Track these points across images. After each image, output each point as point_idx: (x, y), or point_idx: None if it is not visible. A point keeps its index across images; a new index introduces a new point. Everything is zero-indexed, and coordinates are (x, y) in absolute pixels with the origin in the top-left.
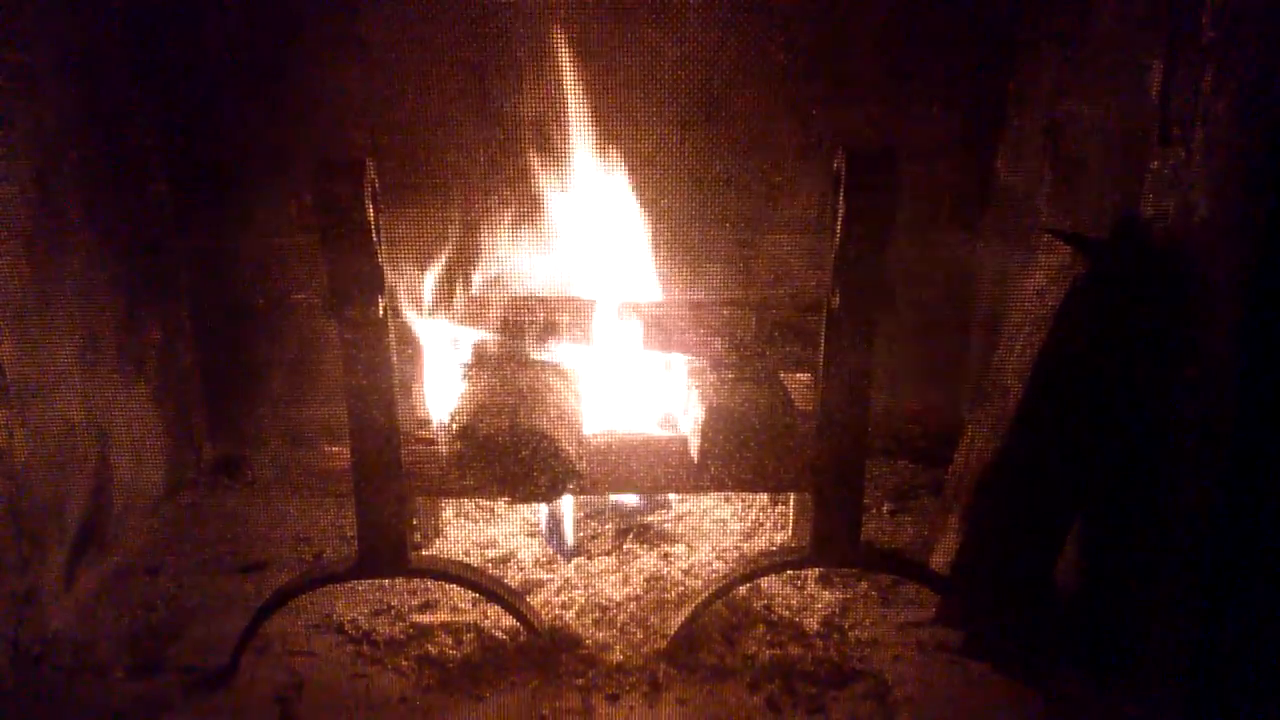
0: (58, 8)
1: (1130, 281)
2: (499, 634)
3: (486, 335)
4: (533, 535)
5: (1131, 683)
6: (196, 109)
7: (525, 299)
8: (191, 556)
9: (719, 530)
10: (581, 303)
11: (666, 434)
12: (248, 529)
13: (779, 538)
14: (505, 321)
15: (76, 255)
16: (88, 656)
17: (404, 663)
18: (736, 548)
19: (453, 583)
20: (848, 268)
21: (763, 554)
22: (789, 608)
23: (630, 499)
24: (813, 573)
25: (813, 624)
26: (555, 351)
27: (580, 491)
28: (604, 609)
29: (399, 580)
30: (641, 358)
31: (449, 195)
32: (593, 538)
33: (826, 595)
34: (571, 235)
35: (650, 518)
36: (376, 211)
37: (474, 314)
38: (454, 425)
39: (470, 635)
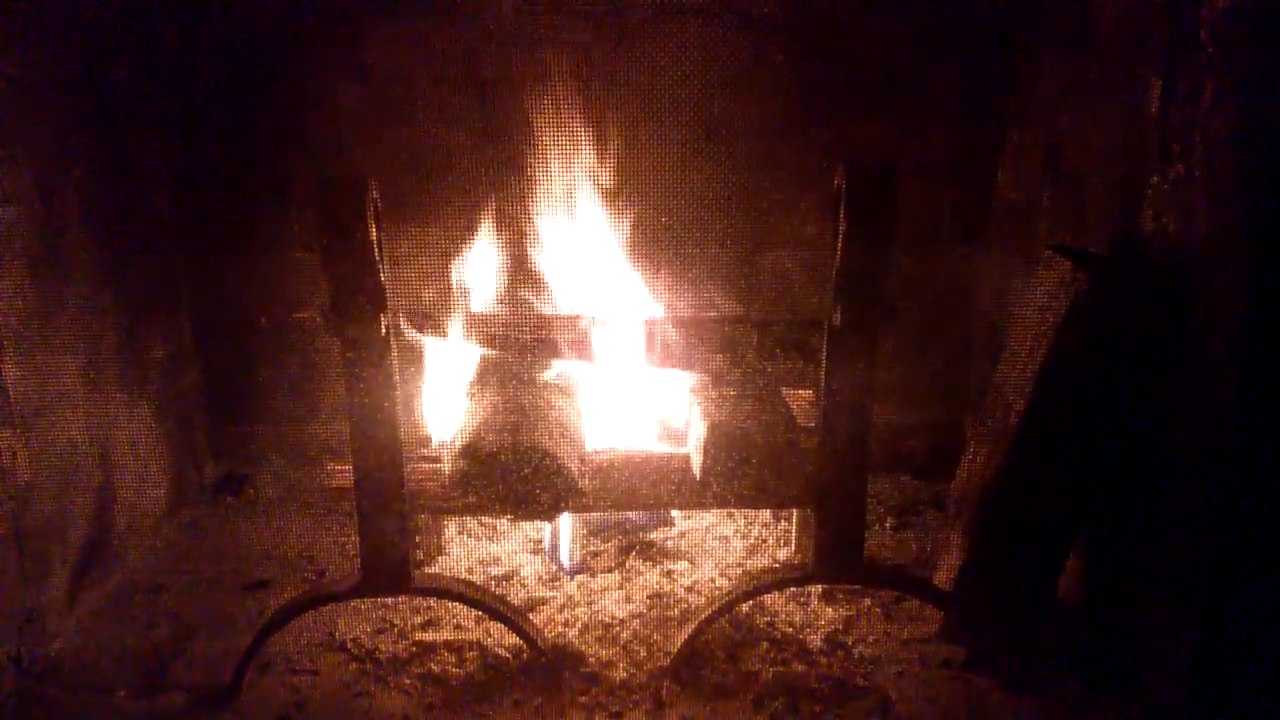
0: (60, 24)
1: (1131, 296)
2: (502, 652)
3: (489, 353)
4: (535, 552)
5: (1133, 686)
6: (199, 127)
7: (527, 316)
8: (194, 574)
9: (722, 547)
10: (583, 320)
11: (669, 451)
12: (250, 547)
13: (782, 554)
14: (507, 339)
15: (79, 273)
16: (91, 675)
17: (407, 681)
18: (739, 564)
19: (455, 601)
20: (849, 284)
21: (765, 571)
22: (792, 624)
23: (633, 516)
24: (816, 589)
25: (816, 641)
26: (557, 369)
27: (583, 509)
28: (607, 626)
29: (401, 598)
30: (643, 375)
31: (451, 213)
32: (595, 555)
33: (830, 611)
34: (573, 253)
35: (653, 535)
36: (378, 229)
37: (476, 331)
38: (456, 443)
39: (473, 653)
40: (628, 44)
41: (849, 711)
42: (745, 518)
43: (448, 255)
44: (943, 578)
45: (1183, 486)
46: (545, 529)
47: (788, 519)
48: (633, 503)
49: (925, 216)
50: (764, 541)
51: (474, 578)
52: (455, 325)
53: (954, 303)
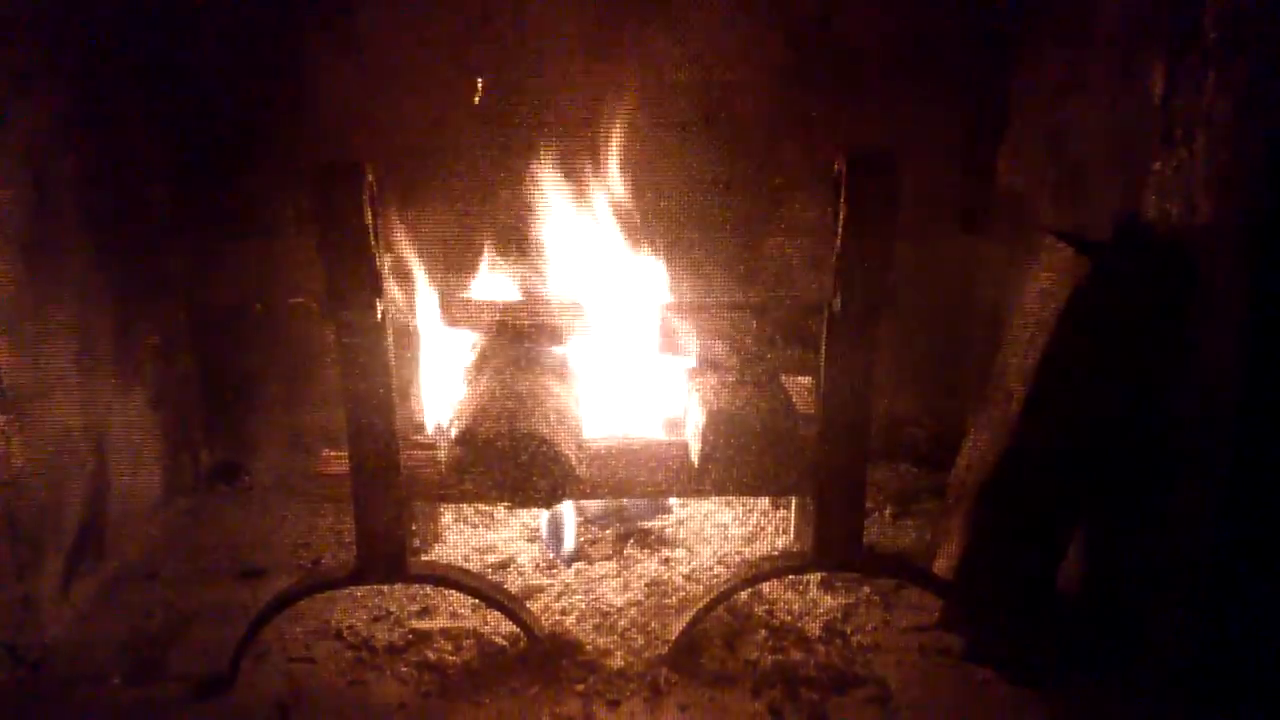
0: (54, 8)
1: (1133, 283)
2: (499, 640)
3: (486, 339)
4: (532, 540)
5: (1133, 683)
6: (194, 112)
7: (524, 302)
8: (189, 562)
9: (720, 535)
10: (581, 306)
11: (667, 438)
12: (246, 535)
13: (780, 542)
14: (504, 325)
15: (73, 259)
16: (86, 663)
17: (403, 669)
18: (738, 552)
19: (452, 588)
20: (848, 270)
21: (764, 559)
22: (791, 613)
23: (631, 504)
24: (814, 577)
25: (815, 629)
26: (555, 355)
27: (580, 496)
28: (604, 614)
29: (397, 586)
30: (642, 361)
31: (447, 198)
32: (593, 543)
33: (828, 600)
34: (571, 238)
35: (651, 522)
36: (374, 215)
37: (473, 317)
38: (453, 430)
39: (470, 641)
40: (626, 27)
41: (847, 700)
42: (744, 505)
43: (444, 241)
44: (942, 566)
45: (1184, 479)
46: (542, 516)
47: (786, 507)
48: (630, 490)
49: (926, 202)
50: (762, 529)
51: (470, 565)
52: (451, 311)
53: (955, 289)
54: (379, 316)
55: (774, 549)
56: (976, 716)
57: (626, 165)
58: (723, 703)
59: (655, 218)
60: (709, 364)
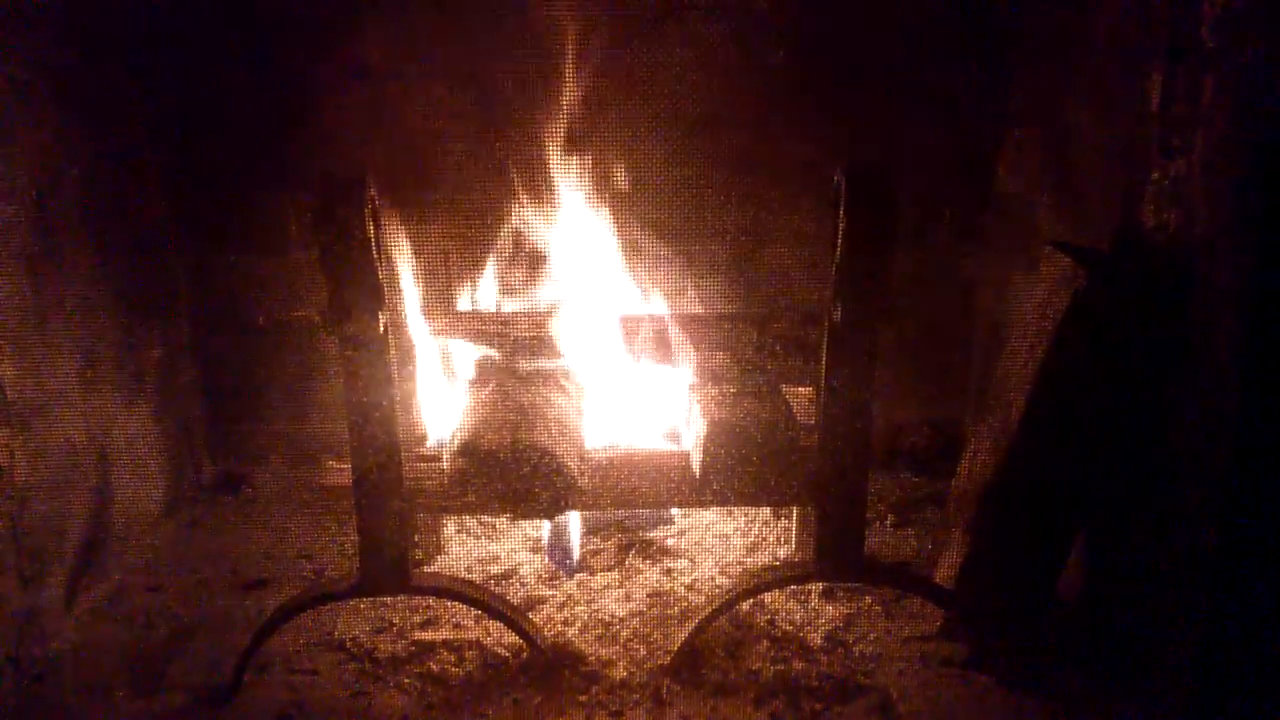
0: (57, 24)
1: (1132, 293)
2: (501, 651)
3: (488, 350)
4: (535, 551)
5: (1134, 686)
6: (196, 125)
7: (526, 313)
8: (192, 574)
9: (722, 545)
10: (582, 317)
11: (668, 449)
12: (249, 546)
13: (782, 552)
14: (506, 336)
15: (76, 273)
16: (89, 675)
17: (406, 680)
18: (739, 562)
19: (454, 600)
20: (848, 281)
21: (766, 569)
22: (793, 622)
23: (633, 514)
24: (816, 587)
25: (816, 639)
26: (556, 366)
27: (582, 507)
28: (607, 625)
29: (400, 597)
30: (643, 372)
31: (449, 210)
32: (595, 553)
33: (830, 609)
34: (571, 249)
35: (653, 533)
36: (376, 228)
37: (475, 329)
38: (455, 441)
39: (472, 652)
40: (626, 39)
41: (850, 709)
42: (745, 515)
43: (445, 253)
44: (943, 575)
45: (1183, 485)
46: (544, 527)
47: (788, 516)
48: (632, 501)
49: (925, 212)
50: (764, 539)
51: (473, 576)
52: (453, 323)
53: (954, 299)
54: (381, 329)
55: (775, 559)
56: None
57: (628, 176)
58: (725, 713)
59: (656, 228)
60: (710, 375)
